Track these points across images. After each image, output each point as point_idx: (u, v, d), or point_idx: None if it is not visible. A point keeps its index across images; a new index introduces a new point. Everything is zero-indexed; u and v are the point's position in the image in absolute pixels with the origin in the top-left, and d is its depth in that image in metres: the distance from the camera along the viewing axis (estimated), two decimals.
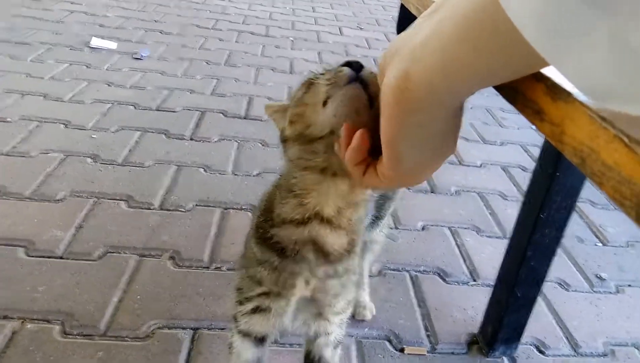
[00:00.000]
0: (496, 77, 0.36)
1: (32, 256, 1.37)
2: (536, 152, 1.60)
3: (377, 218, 1.08)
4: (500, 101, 2.82)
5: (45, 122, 2.04)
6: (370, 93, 0.56)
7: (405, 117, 0.40)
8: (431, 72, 0.36)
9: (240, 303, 0.82)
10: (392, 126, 0.41)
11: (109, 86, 2.46)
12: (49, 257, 1.37)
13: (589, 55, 0.25)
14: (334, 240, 0.70)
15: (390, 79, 0.39)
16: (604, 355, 1.32)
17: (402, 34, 0.41)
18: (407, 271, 1.50)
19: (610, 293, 1.54)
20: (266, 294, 0.77)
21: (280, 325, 0.82)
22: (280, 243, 0.71)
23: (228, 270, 1.41)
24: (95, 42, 2.93)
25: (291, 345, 1.21)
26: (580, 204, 1.93)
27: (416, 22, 0.39)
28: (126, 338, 1.17)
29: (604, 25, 0.24)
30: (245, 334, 0.84)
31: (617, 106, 0.26)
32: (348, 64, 0.58)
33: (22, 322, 1.17)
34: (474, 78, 0.36)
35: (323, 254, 0.70)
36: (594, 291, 1.54)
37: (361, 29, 4.12)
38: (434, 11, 0.37)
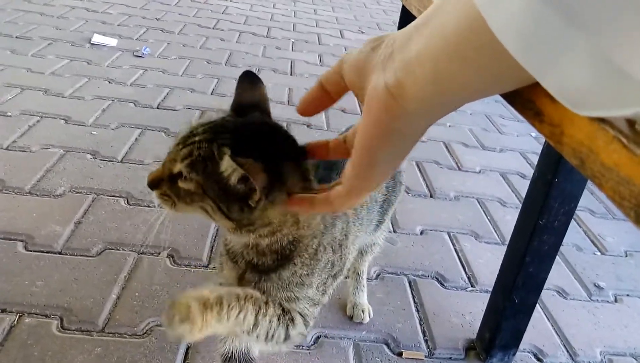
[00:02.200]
0: (487, 91, 0.36)
1: (31, 251, 1.36)
2: (535, 159, 1.61)
3: (379, 222, 1.09)
4: (499, 108, 2.85)
5: (45, 117, 2.03)
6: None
7: (391, 123, 0.40)
8: (424, 85, 0.36)
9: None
10: (375, 131, 0.41)
11: (109, 82, 2.45)
12: (47, 252, 1.36)
13: (571, 69, 0.26)
14: (258, 259, 0.76)
15: (380, 84, 0.39)
16: None
17: (392, 36, 0.41)
18: (406, 275, 1.50)
19: (608, 302, 1.55)
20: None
21: None
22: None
23: None
24: (97, 38, 2.93)
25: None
26: (579, 213, 1.94)
27: (408, 29, 0.39)
28: (124, 335, 1.17)
29: (585, 43, 0.25)
30: None
31: (599, 113, 0.27)
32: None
33: (20, 316, 1.16)
34: (465, 92, 0.36)
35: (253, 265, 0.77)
36: (592, 300, 1.54)
37: (362, 32, 4.13)
38: (424, 23, 0.37)
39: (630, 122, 0.28)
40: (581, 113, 0.28)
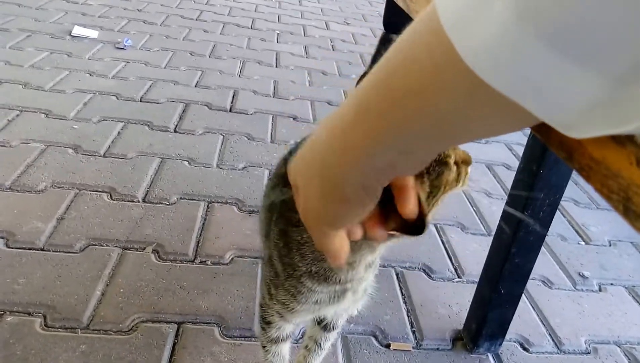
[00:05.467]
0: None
1: (12, 248, 1.33)
2: (520, 151, 1.62)
3: None
4: None
5: (25, 111, 1.99)
6: None
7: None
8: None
9: (264, 326, 0.88)
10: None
11: (90, 75, 2.41)
12: (29, 249, 1.34)
13: (555, 95, 0.24)
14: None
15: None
16: (587, 352, 1.34)
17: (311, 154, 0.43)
18: (393, 267, 1.50)
19: (593, 291, 1.56)
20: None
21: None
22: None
23: (213, 264, 1.39)
24: (77, 30, 2.88)
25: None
26: (563, 203, 1.95)
27: (330, 140, 0.40)
28: (109, 332, 1.15)
29: (571, 69, 0.23)
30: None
31: (595, 134, 0.25)
32: None
33: (2, 314, 1.14)
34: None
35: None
36: (577, 289, 1.55)
37: (348, 24, 4.11)
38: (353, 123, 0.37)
39: (629, 136, 0.27)
40: (575, 136, 0.26)
